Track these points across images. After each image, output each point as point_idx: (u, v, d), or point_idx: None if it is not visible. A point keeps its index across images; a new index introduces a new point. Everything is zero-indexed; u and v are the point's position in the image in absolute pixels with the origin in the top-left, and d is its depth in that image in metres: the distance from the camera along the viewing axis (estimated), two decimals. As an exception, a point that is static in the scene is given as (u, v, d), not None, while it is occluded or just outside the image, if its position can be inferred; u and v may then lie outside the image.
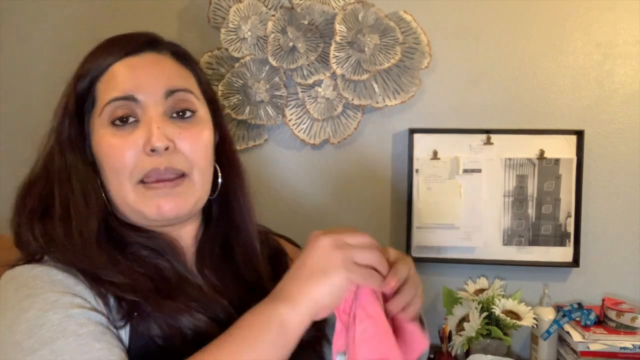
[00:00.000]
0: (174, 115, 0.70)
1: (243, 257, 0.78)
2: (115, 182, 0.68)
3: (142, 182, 0.68)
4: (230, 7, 1.47)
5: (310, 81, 1.46)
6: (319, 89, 1.46)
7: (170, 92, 0.69)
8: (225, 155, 0.79)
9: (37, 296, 0.60)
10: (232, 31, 1.47)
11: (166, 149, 0.67)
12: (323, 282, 0.57)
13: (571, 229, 1.46)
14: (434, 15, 1.47)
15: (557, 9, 1.46)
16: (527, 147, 1.46)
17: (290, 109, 1.50)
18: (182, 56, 0.75)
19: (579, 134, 1.45)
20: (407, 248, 1.49)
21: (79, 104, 0.71)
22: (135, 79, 0.68)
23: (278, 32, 1.46)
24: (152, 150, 0.66)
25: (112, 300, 0.64)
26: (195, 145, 0.70)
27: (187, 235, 0.76)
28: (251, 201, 0.81)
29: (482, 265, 1.49)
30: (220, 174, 0.78)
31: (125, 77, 0.68)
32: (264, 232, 0.87)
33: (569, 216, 1.46)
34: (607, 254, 1.48)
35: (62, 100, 0.72)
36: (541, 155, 1.46)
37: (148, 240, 0.71)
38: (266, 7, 1.47)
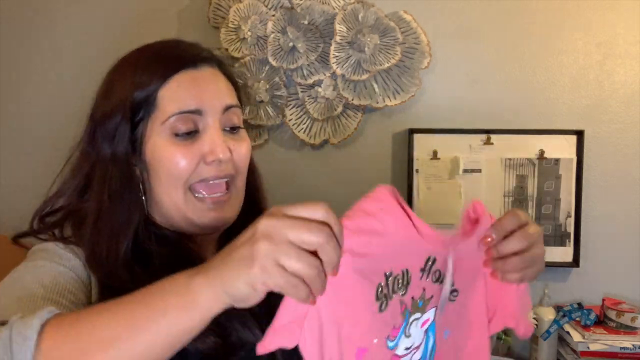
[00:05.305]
0: (226, 129, 0.74)
1: None
2: (168, 186, 0.71)
3: (192, 189, 0.71)
4: (230, 7, 1.47)
5: (310, 81, 1.46)
6: (319, 89, 1.46)
7: (228, 108, 0.73)
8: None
9: (31, 261, 0.68)
10: (232, 31, 1.47)
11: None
12: (236, 273, 0.49)
13: (571, 229, 1.46)
14: (434, 15, 1.47)
15: (557, 9, 1.46)
16: (527, 147, 1.46)
17: (290, 109, 1.50)
18: (228, 72, 0.78)
19: (579, 134, 1.45)
20: (407, 248, 1.49)
21: (133, 112, 0.72)
22: (201, 92, 0.71)
23: (278, 32, 1.46)
24: (213, 161, 0.70)
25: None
26: (243, 156, 0.76)
27: (212, 244, 0.79)
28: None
29: (482, 265, 1.49)
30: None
31: (190, 89, 0.71)
32: None
33: (569, 216, 1.46)
34: (607, 254, 1.48)
35: (107, 107, 0.72)
36: (541, 155, 1.46)
37: (172, 254, 0.72)
38: (266, 7, 1.47)
